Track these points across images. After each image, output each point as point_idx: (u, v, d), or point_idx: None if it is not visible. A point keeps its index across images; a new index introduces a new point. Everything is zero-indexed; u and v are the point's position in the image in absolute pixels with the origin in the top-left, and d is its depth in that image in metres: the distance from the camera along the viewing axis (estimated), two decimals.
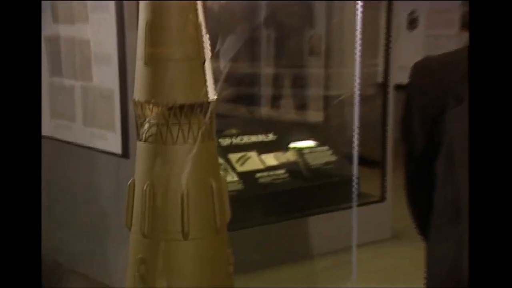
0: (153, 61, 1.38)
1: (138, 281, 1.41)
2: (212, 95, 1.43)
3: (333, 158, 3.87)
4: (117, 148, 2.91)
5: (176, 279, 1.39)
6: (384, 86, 3.75)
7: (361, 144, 2.68)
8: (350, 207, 2.60)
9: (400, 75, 3.60)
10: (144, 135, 1.44)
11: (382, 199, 3.78)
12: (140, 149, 1.45)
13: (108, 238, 3.04)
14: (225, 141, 3.75)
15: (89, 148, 3.08)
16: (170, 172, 1.40)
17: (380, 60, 3.79)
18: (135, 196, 1.44)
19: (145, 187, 1.41)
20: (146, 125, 1.44)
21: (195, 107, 1.41)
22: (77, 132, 3.14)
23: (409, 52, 5.00)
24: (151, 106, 1.43)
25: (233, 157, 3.72)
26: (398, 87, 3.69)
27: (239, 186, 3.59)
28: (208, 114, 1.43)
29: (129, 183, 1.46)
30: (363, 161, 2.94)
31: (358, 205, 2.58)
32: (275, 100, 4.45)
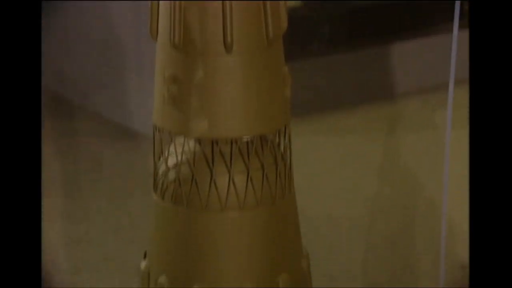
0: None
1: (169, 104, 1.53)
2: None
3: None
4: None
5: (217, 106, 1.50)
6: None
7: None
8: (450, 30, 2.64)
9: None
10: None
11: None
12: None
13: (125, 65, 3.18)
14: None
15: None
16: None
17: None
18: None
19: None
20: None
21: None
22: None
23: None
24: None
25: None
26: None
27: (296, 1, 3.62)
28: None
29: None
30: None
31: (461, 27, 2.62)
32: None
